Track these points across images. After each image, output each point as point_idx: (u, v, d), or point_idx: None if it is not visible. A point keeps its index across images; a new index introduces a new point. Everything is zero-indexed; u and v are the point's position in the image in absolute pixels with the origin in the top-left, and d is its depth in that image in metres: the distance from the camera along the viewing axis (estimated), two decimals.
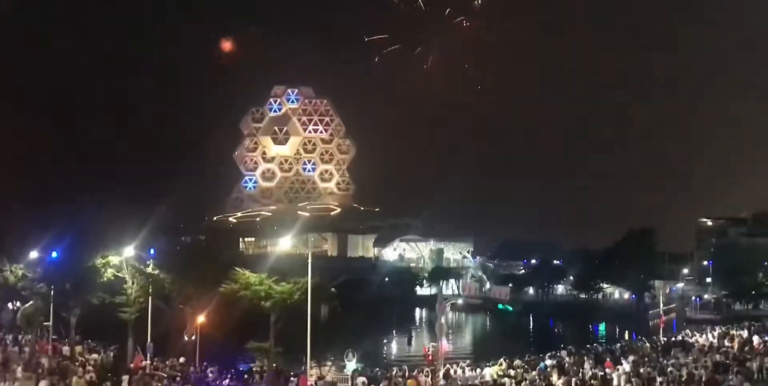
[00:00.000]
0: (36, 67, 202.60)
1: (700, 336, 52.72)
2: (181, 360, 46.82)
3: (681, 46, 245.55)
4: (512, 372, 38.97)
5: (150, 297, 51.52)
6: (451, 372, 39.69)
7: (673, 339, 54.26)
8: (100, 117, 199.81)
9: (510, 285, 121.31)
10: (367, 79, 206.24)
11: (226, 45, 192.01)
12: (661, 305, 71.59)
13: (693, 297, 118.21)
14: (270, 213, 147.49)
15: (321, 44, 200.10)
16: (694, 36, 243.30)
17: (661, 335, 56.46)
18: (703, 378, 34.21)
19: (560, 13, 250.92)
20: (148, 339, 45.66)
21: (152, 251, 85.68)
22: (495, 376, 38.01)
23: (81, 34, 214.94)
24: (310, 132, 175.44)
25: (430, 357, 41.72)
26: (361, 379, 38.52)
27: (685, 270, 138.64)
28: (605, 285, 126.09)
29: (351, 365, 42.26)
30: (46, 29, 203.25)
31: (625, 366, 38.56)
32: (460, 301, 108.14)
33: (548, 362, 41.78)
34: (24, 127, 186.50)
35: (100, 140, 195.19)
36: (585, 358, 43.03)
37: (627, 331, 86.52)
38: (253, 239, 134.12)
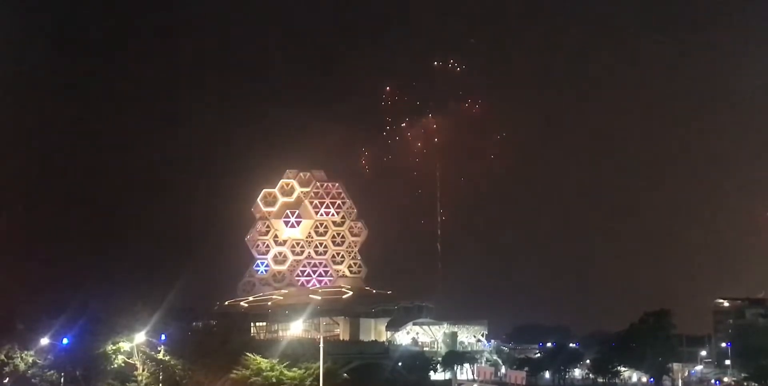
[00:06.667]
0: (48, 152, 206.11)
1: None
2: None
3: (698, 128, 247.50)
4: None
5: (160, 384, 50.99)
6: None
7: None
8: (109, 202, 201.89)
9: (526, 369, 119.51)
10: (380, 160, 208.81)
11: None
12: None
13: (713, 380, 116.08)
14: (282, 297, 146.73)
15: (333, 126, 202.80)
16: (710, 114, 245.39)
17: None
18: None
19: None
20: None
21: (163, 337, 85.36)
22: None
23: (87, 118, 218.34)
24: (321, 215, 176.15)
25: None
26: None
27: (704, 353, 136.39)
28: (623, 369, 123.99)
29: None
30: (55, 108, 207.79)
31: None
32: None
33: None
34: (33, 215, 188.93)
35: (109, 226, 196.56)
36: None
37: None
38: (264, 324, 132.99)
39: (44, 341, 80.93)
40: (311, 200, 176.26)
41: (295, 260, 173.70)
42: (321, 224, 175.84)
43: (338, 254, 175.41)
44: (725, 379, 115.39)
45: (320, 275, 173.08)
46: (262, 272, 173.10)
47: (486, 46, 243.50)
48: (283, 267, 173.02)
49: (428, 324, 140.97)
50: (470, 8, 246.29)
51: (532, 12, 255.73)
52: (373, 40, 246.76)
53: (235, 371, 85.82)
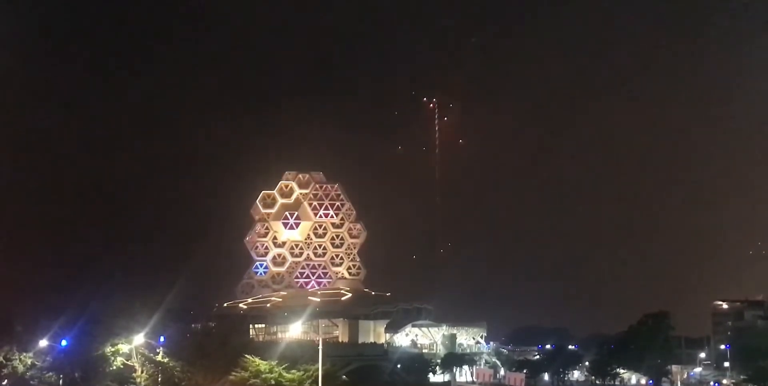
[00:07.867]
0: (47, 155, 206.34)
1: None
2: None
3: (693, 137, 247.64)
4: None
5: None
6: None
7: None
8: (110, 205, 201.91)
9: (525, 371, 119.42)
10: (378, 162, 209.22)
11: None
12: None
13: (712, 382, 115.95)
14: (281, 299, 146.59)
15: (331, 128, 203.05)
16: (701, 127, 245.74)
17: None
18: None
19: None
20: None
21: (162, 338, 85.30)
22: None
23: (92, 118, 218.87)
24: (320, 216, 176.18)
25: None
26: None
27: (703, 355, 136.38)
28: (622, 371, 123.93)
29: None
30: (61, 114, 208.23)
31: None
32: None
33: None
34: (32, 218, 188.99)
35: (109, 228, 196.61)
36: None
37: None
38: (263, 325, 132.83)
39: (43, 343, 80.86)
40: (310, 202, 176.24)
41: (294, 262, 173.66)
42: (320, 226, 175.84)
43: (337, 256, 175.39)
44: (724, 381, 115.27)
45: (319, 277, 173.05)
46: (261, 274, 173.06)
47: (488, 48, 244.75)
48: (282, 269, 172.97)
49: (427, 326, 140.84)
50: (471, 9, 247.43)
51: (534, 12, 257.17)
52: (374, 42, 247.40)
53: (233, 373, 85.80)
